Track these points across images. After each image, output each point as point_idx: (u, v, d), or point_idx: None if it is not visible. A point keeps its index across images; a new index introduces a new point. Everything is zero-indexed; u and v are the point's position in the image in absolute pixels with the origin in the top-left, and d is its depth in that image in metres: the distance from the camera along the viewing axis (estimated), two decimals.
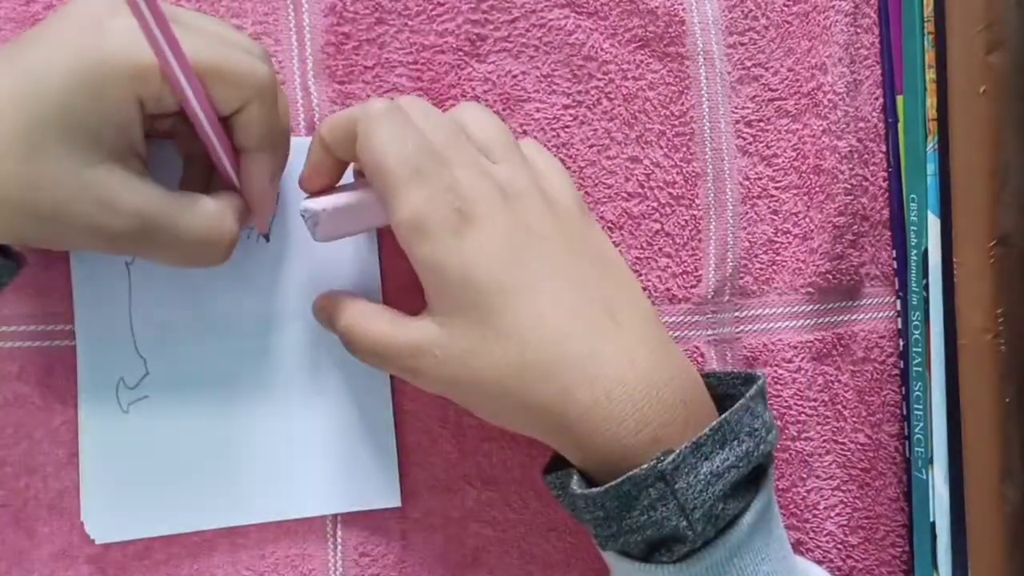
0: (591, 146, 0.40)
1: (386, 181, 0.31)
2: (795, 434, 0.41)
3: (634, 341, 0.31)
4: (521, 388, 0.30)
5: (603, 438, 0.30)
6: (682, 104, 0.40)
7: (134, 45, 0.27)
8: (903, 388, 0.43)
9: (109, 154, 0.28)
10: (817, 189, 0.41)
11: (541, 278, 0.31)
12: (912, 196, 0.42)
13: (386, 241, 0.38)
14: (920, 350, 0.42)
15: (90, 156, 0.28)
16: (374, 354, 0.33)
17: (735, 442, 0.30)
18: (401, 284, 0.38)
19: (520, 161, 0.33)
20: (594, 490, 0.30)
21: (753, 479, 0.32)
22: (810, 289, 0.42)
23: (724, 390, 0.35)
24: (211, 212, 0.31)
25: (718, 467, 0.30)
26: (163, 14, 0.27)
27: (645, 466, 0.29)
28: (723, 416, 0.31)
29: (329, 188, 0.34)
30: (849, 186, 0.42)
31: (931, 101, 0.41)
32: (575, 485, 0.31)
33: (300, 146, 0.36)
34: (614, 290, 0.33)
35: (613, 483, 0.30)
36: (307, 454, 0.37)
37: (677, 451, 0.29)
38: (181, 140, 0.33)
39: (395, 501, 0.37)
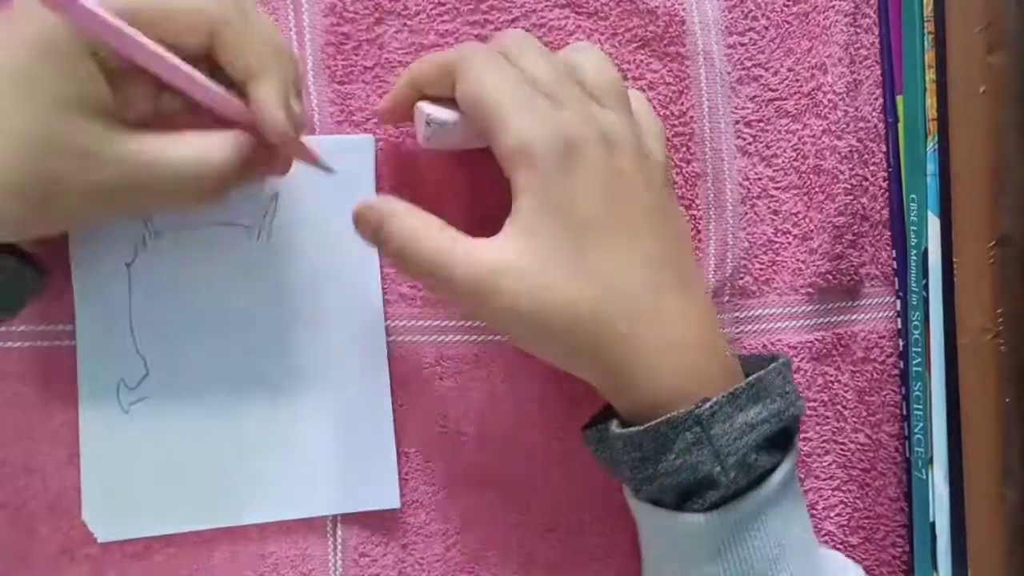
0: None
1: (490, 111, 0.31)
2: None
3: (699, 309, 0.33)
4: (597, 325, 0.31)
5: (655, 384, 0.31)
6: (682, 104, 0.40)
7: None
8: (903, 388, 0.43)
9: (76, 109, 0.28)
10: (817, 189, 0.41)
11: (632, 225, 0.32)
12: (912, 196, 0.42)
13: None
14: (920, 350, 0.42)
15: (59, 110, 0.28)
16: (433, 265, 0.31)
17: (767, 400, 0.32)
18: (402, 291, 0.38)
19: (627, 112, 0.34)
20: (633, 429, 0.31)
21: (781, 446, 0.33)
22: (810, 289, 0.42)
23: (750, 370, 0.35)
24: (193, 143, 0.30)
25: (752, 419, 0.31)
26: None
27: (683, 410, 0.31)
28: (758, 373, 0.32)
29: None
30: (849, 186, 0.42)
31: (931, 101, 0.41)
32: (615, 426, 0.33)
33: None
34: (684, 256, 0.34)
35: (653, 423, 0.31)
36: (307, 455, 0.37)
37: (715, 399, 0.31)
38: (191, 118, 0.32)
39: (394, 502, 0.37)
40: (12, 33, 0.28)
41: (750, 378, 0.32)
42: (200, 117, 0.31)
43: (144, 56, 0.28)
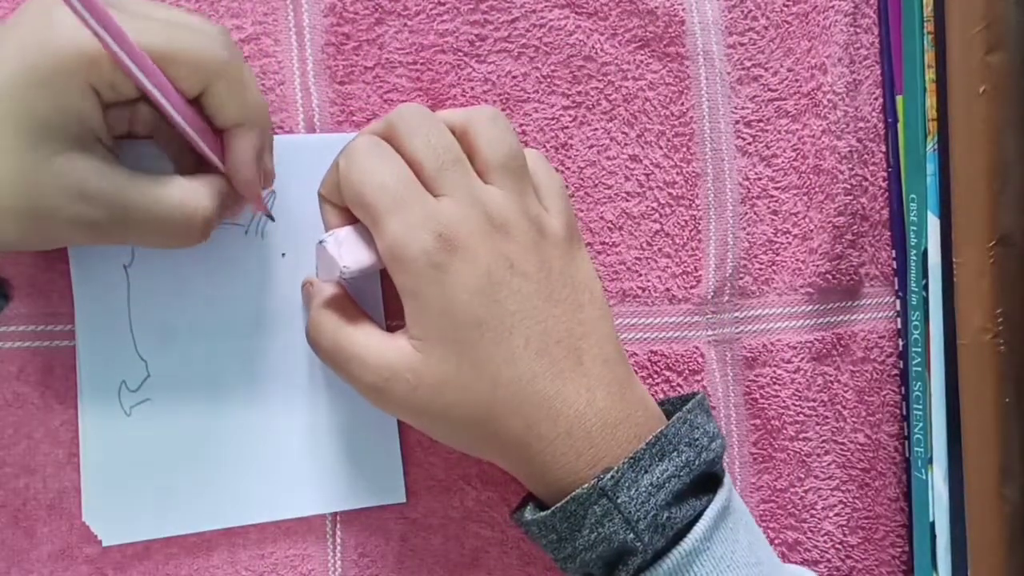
0: (591, 146, 0.40)
1: (367, 213, 0.31)
2: (793, 434, 0.41)
3: (595, 382, 0.33)
4: (489, 421, 0.32)
5: (563, 470, 0.32)
6: (682, 104, 0.40)
7: (81, 33, 0.27)
8: (903, 388, 0.43)
9: (71, 144, 0.29)
10: (817, 189, 0.41)
11: (517, 318, 0.32)
12: (912, 196, 0.42)
13: None
14: (920, 350, 0.42)
15: (51, 147, 0.28)
16: (337, 359, 0.33)
17: (674, 453, 0.32)
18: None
19: (518, 188, 0.33)
20: (543, 514, 0.32)
21: (710, 488, 0.33)
22: (810, 289, 0.42)
23: (676, 411, 0.35)
24: (184, 189, 0.31)
25: (658, 478, 0.31)
26: (98, 2, 0.26)
27: (587, 485, 0.31)
28: (659, 430, 0.32)
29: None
30: (849, 186, 0.42)
31: (931, 101, 0.41)
32: (528, 512, 0.33)
33: (300, 144, 0.36)
34: (583, 331, 0.33)
35: (559, 504, 0.31)
36: (312, 453, 0.37)
37: (616, 467, 0.31)
38: (163, 139, 0.33)
39: (400, 497, 0.37)
40: (12, 57, 0.28)
41: (650, 438, 0.31)
42: (171, 137, 0.32)
43: (141, 85, 0.29)
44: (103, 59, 0.28)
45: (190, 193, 0.31)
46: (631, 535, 0.30)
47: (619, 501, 0.30)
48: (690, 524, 0.31)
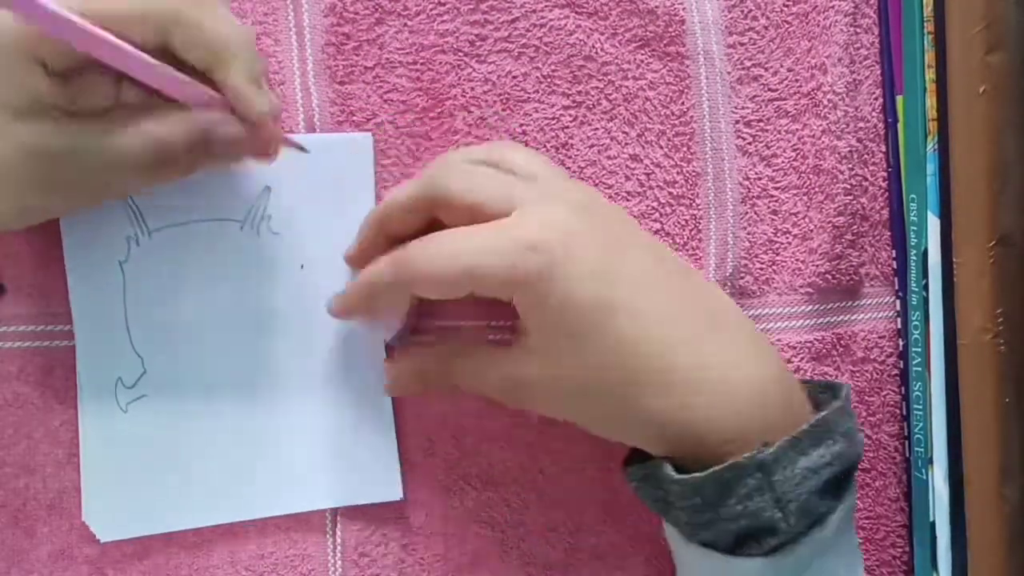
0: (591, 146, 0.40)
1: (461, 283, 0.31)
2: None
3: (739, 344, 0.32)
4: (640, 401, 0.31)
5: (712, 441, 0.31)
6: (682, 104, 0.40)
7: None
8: (903, 388, 0.43)
9: (26, 112, 0.29)
10: (817, 189, 0.41)
11: (639, 287, 0.31)
12: (912, 196, 0.42)
13: None
14: (920, 350, 0.42)
15: (5, 118, 0.29)
16: (475, 387, 0.34)
17: (830, 441, 0.31)
18: None
19: (563, 174, 0.34)
20: (695, 475, 0.30)
21: (838, 486, 0.32)
22: (810, 289, 0.42)
23: (809, 396, 0.35)
24: (145, 120, 0.31)
25: (815, 463, 0.30)
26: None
27: (746, 455, 0.30)
28: (822, 414, 0.31)
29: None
30: (849, 186, 0.42)
31: (931, 101, 0.41)
32: (670, 470, 0.31)
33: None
34: (704, 292, 0.33)
35: (715, 468, 0.30)
36: (308, 449, 0.37)
37: (777, 444, 0.30)
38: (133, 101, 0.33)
39: (397, 494, 0.37)
40: None
41: (813, 420, 0.31)
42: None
43: (99, 49, 0.29)
44: (38, 34, 0.28)
45: (152, 122, 0.31)
46: (778, 514, 0.30)
47: (774, 479, 0.30)
48: (823, 516, 0.31)
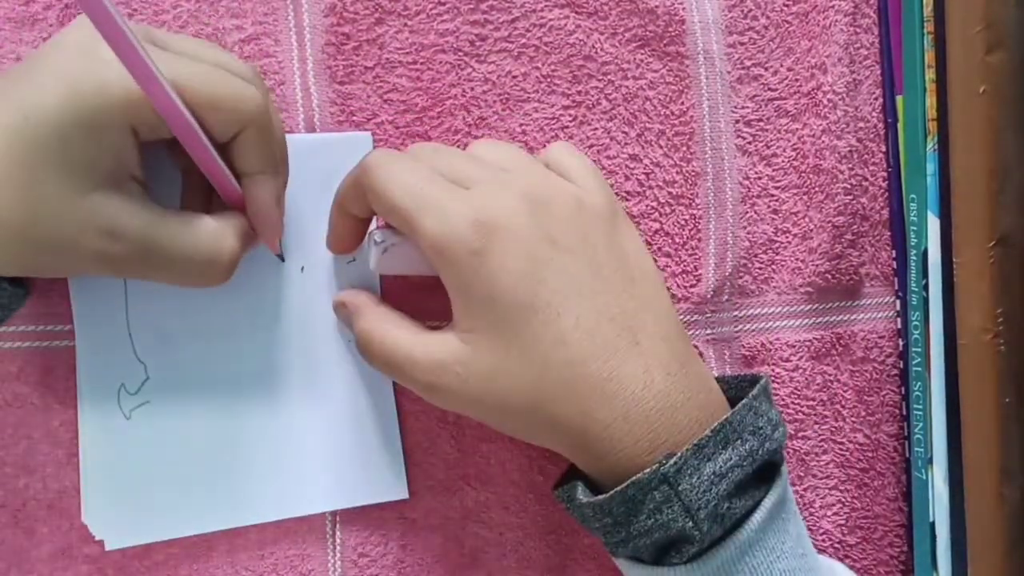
0: (591, 146, 0.40)
1: (401, 217, 0.31)
2: (792, 433, 0.42)
3: (652, 362, 0.32)
4: (542, 407, 0.31)
5: (621, 455, 0.31)
6: (682, 103, 0.40)
7: (127, 75, 0.27)
8: (902, 388, 0.43)
9: (106, 180, 0.29)
10: (817, 189, 0.41)
11: (564, 297, 0.31)
12: (912, 196, 0.42)
13: None
14: (920, 350, 0.42)
15: (87, 184, 0.28)
16: (390, 364, 0.33)
17: (738, 441, 0.31)
18: (400, 297, 0.38)
19: (541, 171, 0.34)
20: (600, 497, 0.31)
21: (765, 477, 0.32)
22: (809, 288, 0.42)
23: (734, 393, 0.35)
24: (211, 231, 0.31)
25: (721, 467, 0.30)
26: (137, 50, 0.26)
27: (648, 470, 0.30)
28: (724, 417, 0.31)
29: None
30: (849, 186, 0.42)
31: (931, 101, 0.41)
32: (581, 495, 0.32)
33: (300, 144, 0.36)
34: (637, 307, 0.33)
35: (618, 488, 0.30)
36: (312, 452, 0.37)
37: (679, 453, 0.30)
38: (179, 154, 0.33)
39: (403, 493, 0.37)
40: (53, 90, 0.27)
41: (715, 424, 0.31)
42: (196, 173, 0.32)
43: (178, 125, 0.29)
44: (146, 102, 0.28)
45: (217, 233, 0.31)
46: (690, 523, 0.30)
47: (680, 489, 0.30)
48: (747, 513, 0.31)
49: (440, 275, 0.31)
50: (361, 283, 0.37)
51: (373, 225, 0.36)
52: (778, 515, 0.32)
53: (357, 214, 0.34)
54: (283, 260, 0.36)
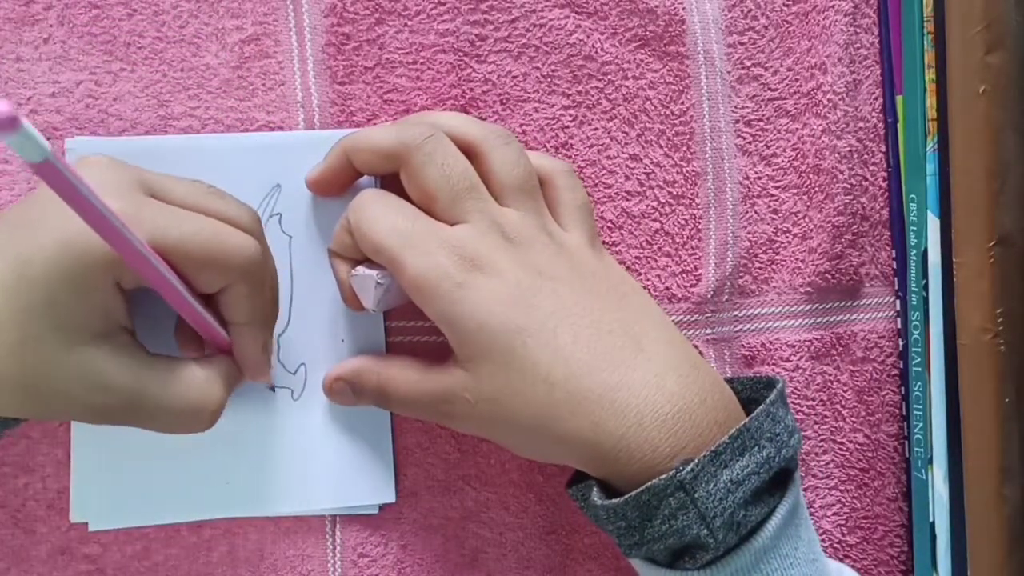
0: (591, 146, 0.40)
1: (385, 256, 0.32)
2: None
3: (662, 366, 0.32)
4: (553, 424, 0.31)
5: (640, 465, 0.31)
6: (682, 103, 0.40)
7: None
8: (902, 388, 0.43)
9: (96, 335, 0.29)
10: (817, 189, 0.41)
11: (559, 318, 0.31)
12: (912, 196, 0.42)
13: None
14: (920, 350, 0.42)
15: (77, 340, 0.28)
16: (406, 405, 0.35)
17: (755, 448, 0.31)
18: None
19: (533, 208, 0.34)
20: (614, 501, 0.31)
21: (779, 483, 0.32)
22: (809, 288, 0.42)
23: (748, 395, 0.35)
24: (198, 383, 0.31)
25: (738, 474, 0.30)
26: (106, 217, 0.25)
27: (664, 476, 0.30)
28: (743, 423, 0.31)
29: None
30: (849, 186, 0.42)
31: (931, 101, 0.41)
32: (595, 496, 0.32)
33: (300, 142, 0.36)
34: (634, 317, 0.33)
35: (633, 493, 0.30)
36: (303, 450, 0.37)
37: (696, 460, 0.30)
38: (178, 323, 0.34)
39: (390, 496, 0.37)
40: (38, 253, 0.27)
41: (733, 431, 0.30)
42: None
43: (157, 285, 0.29)
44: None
45: (204, 385, 0.31)
46: (705, 531, 0.30)
47: (696, 496, 0.29)
48: (761, 520, 0.31)
49: (426, 311, 0.32)
50: (365, 326, 0.37)
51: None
52: (792, 522, 0.32)
53: (351, 256, 0.34)
54: (274, 391, 0.36)
